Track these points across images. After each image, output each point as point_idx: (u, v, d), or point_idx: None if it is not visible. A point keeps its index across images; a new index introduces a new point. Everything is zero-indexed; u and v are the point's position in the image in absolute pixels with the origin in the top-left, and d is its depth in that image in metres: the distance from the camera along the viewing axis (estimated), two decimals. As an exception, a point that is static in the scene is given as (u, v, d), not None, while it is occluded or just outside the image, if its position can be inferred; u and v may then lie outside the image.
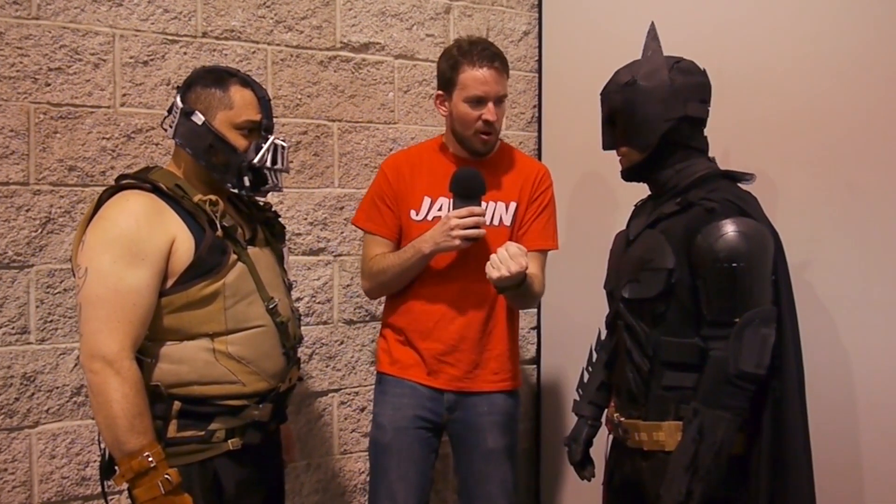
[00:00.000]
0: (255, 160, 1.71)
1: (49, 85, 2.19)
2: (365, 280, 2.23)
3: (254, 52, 2.46)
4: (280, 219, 1.98)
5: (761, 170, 2.05)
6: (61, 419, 2.22)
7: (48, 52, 2.18)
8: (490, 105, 2.06)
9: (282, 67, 2.50)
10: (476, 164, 2.13)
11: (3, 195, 2.14)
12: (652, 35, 1.74)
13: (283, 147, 1.77)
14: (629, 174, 1.80)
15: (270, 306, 1.75)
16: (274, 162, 1.75)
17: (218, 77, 1.73)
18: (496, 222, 2.14)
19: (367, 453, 2.61)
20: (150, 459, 1.54)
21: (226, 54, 2.41)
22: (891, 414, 1.81)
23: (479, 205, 1.97)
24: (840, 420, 1.89)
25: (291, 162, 2.36)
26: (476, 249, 2.04)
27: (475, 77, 2.04)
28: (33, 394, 2.18)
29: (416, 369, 2.16)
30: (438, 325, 2.14)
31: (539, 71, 2.94)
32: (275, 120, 1.83)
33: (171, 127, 1.73)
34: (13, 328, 2.16)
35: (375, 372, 2.28)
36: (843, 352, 1.90)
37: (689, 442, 1.56)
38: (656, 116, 1.67)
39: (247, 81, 1.75)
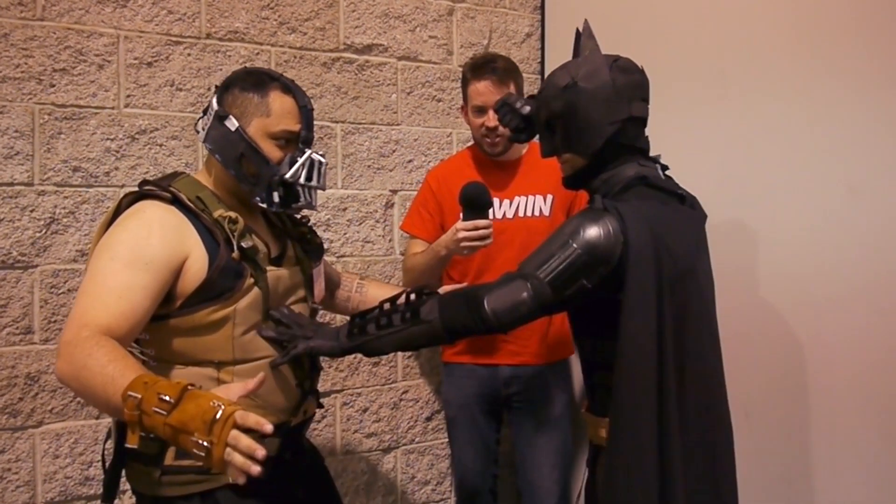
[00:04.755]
0: (288, 175, 1.59)
1: (53, 86, 2.19)
2: (403, 274, 2.57)
3: (258, 54, 2.47)
4: (315, 234, 1.87)
5: (763, 170, 2.06)
6: (65, 419, 2.22)
7: (53, 53, 2.19)
8: (490, 113, 2.29)
9: (285, 69, 2.50)
10: (503, 163, 2.43)
11: (8, 195, 2.15)
12: (588, 34, 1.67)
13: (320, 163, 1.64)
14: (572, 181, 1.71)
15: None
16: (309, 178, 1.62)
17: (258, 80, 1.61)
18: (536, 213, 2.40)
19: (369, 454, 2.69)
20: (133, 395, 1.25)
21: (230, 55, 2.42)
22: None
23: (486, 217, 2.06)
24: (847, 422, 1.90)
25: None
26: (518, 236, 2.33)
27: (476, 89, 2.33)
28: (37, 394, 2.19)
29: (475, 354, 2.45)
30: None
31: (542, 73, 2.95)
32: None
33: (203, 129, 1.62)
34: (17, 328, 2.16)
35: (441, 362, 2.61)
36: (829, 349, 1.91)
37: (402, 314, 1.58)
38: (601, 119, 1.59)
39: (288, 88, 1.62)
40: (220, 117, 1.58)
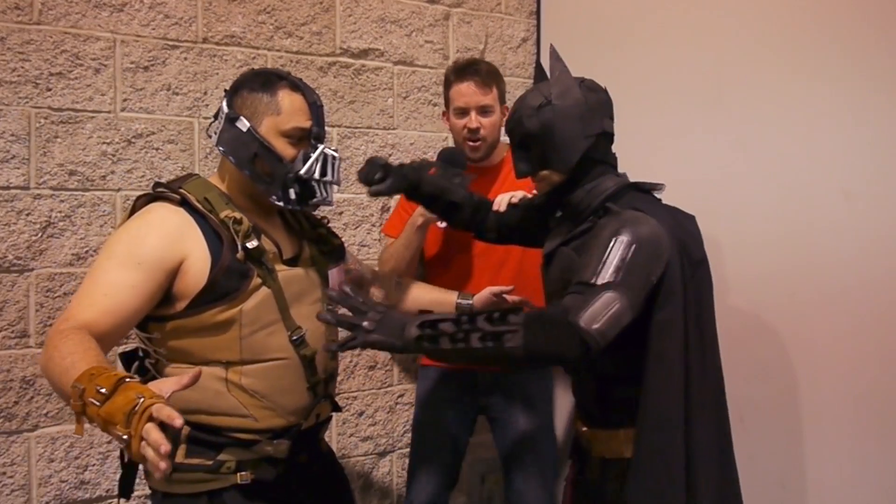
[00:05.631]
0: (303, 171, 1.59)
1: (50, 90, 2.20)
2: (380, 267, 2.44)
3: (254, 58, 2.47)
4: (334, 235, 1.86)
5: (759, 175, 2.07)
6: (60, 423, 2.22)
7: (49, 56, 2.19)
8: (472, 114, 2.30)
9: (282, 73, 2.51)
10: (484, 169, 2.37)
11: (4, 199, 2.15)
12: (555, 56, 1.71)
13: (333, 157, 1.64)
14: (549, 198, 1.75)
15: (295, 337, 1.61)
16: (323, 173, 1.62)
17: (266, 80, 1.61)
18: None
19: (364, 458, 2.68)
20: (77, 385, 1.24)
21: (226, 60, 2.43)
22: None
23: None
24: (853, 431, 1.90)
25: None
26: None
27: (458, 91, 2.32)
28: (32, 397, 2.19)
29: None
30: None
31: (537, 78, 2.95)
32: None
33: (215, 133, 1.62)
34: (13, 332, 2.16)
35: (419, 364, 2.57)
36: (834, 356, 1.91)
37: (482, 335, 1.47)
38: (576, 135, 1.64)
39: (297, 86, 1.63)
40: (231, 119, 1.59)
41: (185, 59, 2.37)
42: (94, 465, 2.26)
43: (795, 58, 2.01)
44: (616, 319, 1.47)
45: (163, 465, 1.12)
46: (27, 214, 2.18)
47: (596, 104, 1.66)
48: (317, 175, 1.61)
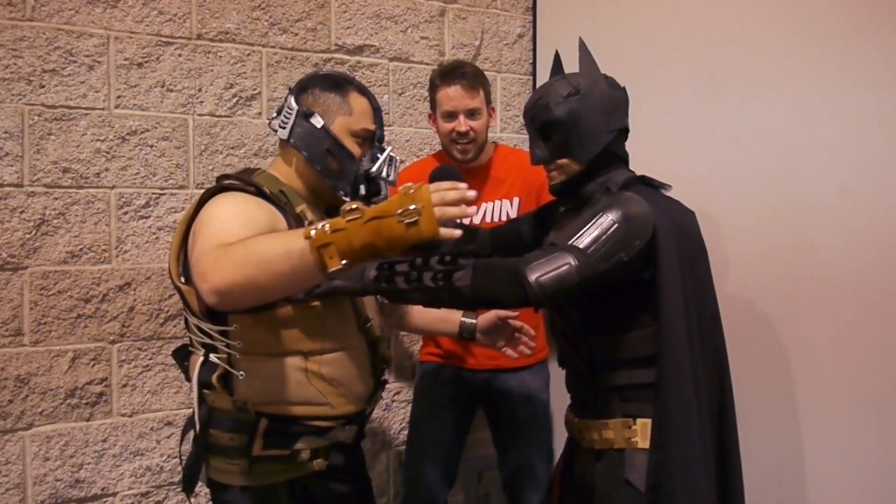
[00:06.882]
0: (373, 169, 1.68)
1: (43, 87, 2.19)
2: None
3: (249, 55, 2.46)
4: None
5: (754, 169, 2.07)
6: (55, 421, 2.21)
7: (43, 53, 2.18)
8: (461, 118, 2.31)
9: (276, 70, 2.50)
10: (472, 170, 2.38)
11: (-3, 197, 2.14)
12: (584, 50, 1.74)
13: (396, 159, 1.74)
14: (563, 187, 1.75)
15: (366, 326, 1.69)
16: (387, 173, 1.71)
17: (336, 82, 1.71)
18: (503, 218, 2.36)
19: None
20: (319, 225, 1.27)
21: (220, 56, 2.42)
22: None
23: None
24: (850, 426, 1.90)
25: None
26: None
27: (446, 94, 2.32)
28: (27, 396, 2.18)
29: (455, 357, 2.44)
30: None
31: (533, 73, 2.95)
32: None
33: (282, 127, 1.68)
34: (7, 330, 2.15)
35: (418, 361, 2.59)
36: (836, 353, 1.91)
37: (433, 274, 1.51)
38: (600, 127, 1.68)
39: (363, 90, 1.73)
40: (306, 115, 1.65)
41: (180, 55, 2.36)
42: (89, 463, 2.25)
43: (792, 53, 2.00)
44: (560, 278, 1.50)
45: (471, 210, 1.25)
46: (21, 212, 2.17)
47: (619, 100, 1.71)
48: (384, 174, 1.69)
